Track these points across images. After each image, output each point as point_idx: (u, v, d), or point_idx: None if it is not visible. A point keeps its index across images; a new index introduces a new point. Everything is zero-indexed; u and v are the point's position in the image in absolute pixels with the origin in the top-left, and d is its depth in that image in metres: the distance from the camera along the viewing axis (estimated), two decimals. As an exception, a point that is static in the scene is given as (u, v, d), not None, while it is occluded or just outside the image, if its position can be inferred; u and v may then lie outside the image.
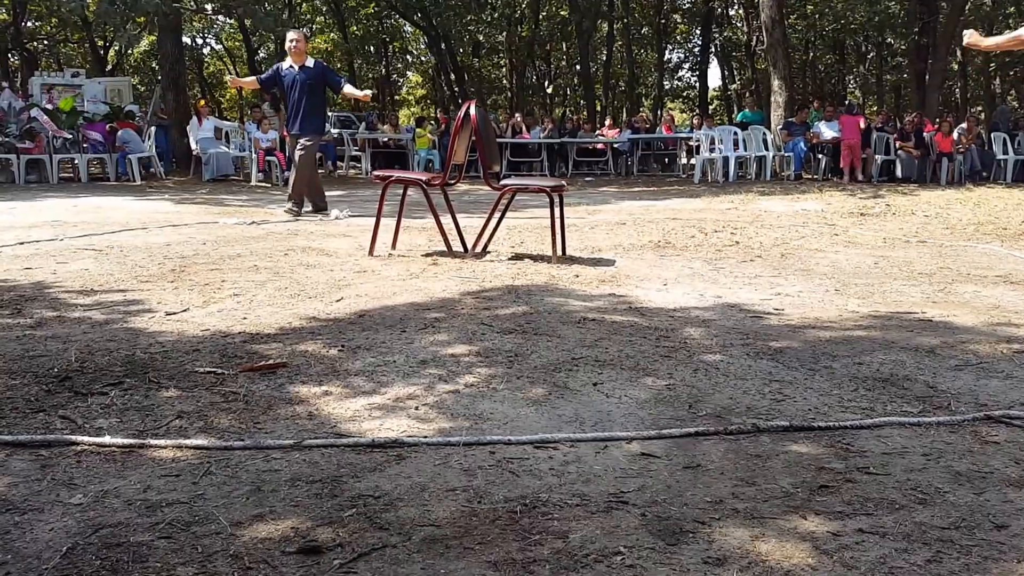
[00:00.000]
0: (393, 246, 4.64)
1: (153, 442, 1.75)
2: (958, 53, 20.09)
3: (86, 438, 1.76)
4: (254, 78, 7.35)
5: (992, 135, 12.67)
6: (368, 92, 8.16)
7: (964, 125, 12.41)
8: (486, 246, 4.62)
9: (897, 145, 12.31)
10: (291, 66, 6.78)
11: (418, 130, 14.51)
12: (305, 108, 6.76)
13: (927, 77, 14.25)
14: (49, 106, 12.42)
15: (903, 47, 18.71)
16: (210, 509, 1.45)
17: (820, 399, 2.07)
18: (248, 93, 20.49)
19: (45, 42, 22.44)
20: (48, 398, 2.04)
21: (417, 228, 5.63)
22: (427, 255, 4.47)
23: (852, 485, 1.56)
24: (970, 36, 5.17)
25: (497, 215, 4.64)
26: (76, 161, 11.80)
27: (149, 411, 1.96)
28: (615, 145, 14.37)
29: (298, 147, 6.85)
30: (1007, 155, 12.15)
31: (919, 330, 2.77)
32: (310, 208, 6.94)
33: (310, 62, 6.86)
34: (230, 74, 29.67)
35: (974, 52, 21.59)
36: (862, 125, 12.26)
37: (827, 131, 12.48)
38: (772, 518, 1.43)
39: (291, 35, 6.97)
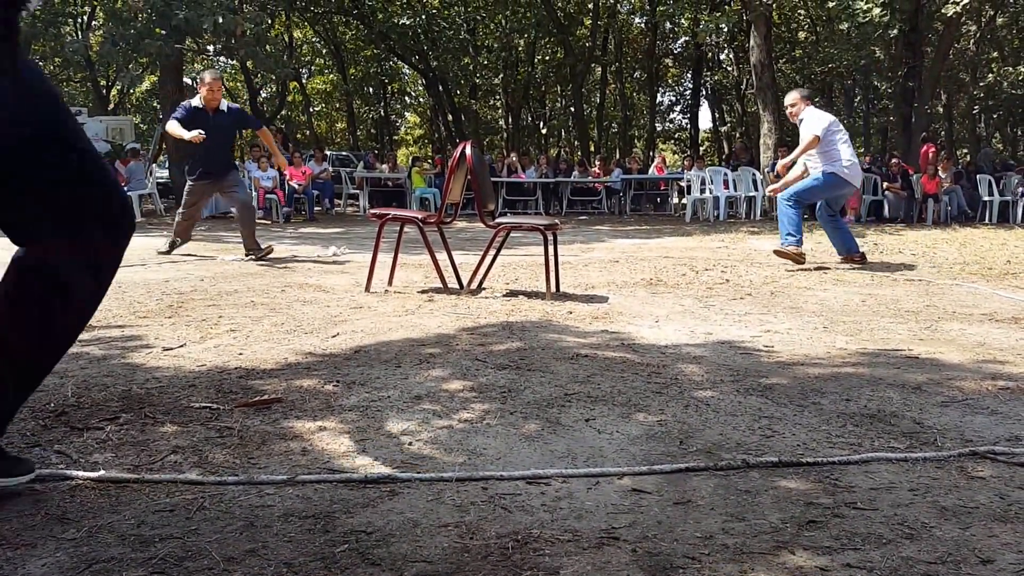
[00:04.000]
0: (389, 283, 4.68)
1: (148, 477, 1.76)
2: (943, 96, 20.49)
3: (81, 473, 1.77)
4: (181, 129, 6.08)
5: (977, 177, 12.87)
6: (283, 163, 7.44)
7: (940, 166, 12.65)
8: (481, 283, 4.67)
9: (884, 186, 12.50)
10: (207, 109, 6.18)
11: (414, 168, 14.71)
12: (228, 154, 6.55)
13: (913, 120, 14.50)
14: (49, 144, 12.52)
15: (889, 90, 19.08)
16: (203, 544, 1.46)
17: (809, 435, 2.09)
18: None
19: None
20: (44, 433, 2.05)
21: (413, 265, 5.68)
22: (423, 292, 4.50)
23: (840, 520, 1.58)
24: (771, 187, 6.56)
25: (492, 252, 4.69)
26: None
27: (144, 446, 1.97)
28: (609, 184, 14.54)
29: (243, 195, 6.49)
30: (992, 196, 12.33)
31: (906, 367, 2.80)
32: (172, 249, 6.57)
33: (224, 105, 6.35)
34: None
35: (959, 96, 22.03)
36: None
37: None
38: (761, 553, 1.44)
39: (209, 77, 6.28)
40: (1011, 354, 3.02)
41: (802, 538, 1.50)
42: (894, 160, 12.97)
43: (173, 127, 6.11)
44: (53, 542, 1.47)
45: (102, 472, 1.78)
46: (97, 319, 3.61)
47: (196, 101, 6.24)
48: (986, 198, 12.40)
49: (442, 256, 4.71)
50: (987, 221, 12.11)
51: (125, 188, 11.92)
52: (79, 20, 20.05)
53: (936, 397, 2.43)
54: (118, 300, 4.16)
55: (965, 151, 22.82)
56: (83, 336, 3.21)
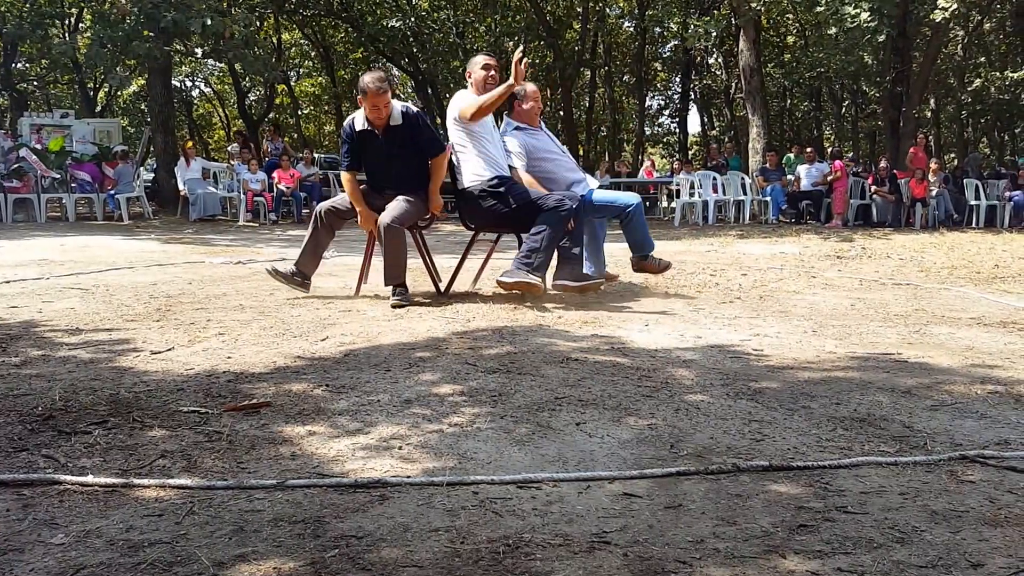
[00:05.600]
0: (386, 285, 4.65)
1: (136, 481, 1.75)
2: (931, 101, 20.66)
3: (69, 477, 1.75)
4: (349, 182, 4.32)
5: (964, 181, 12.98)
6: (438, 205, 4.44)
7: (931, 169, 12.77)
8: (456, 282, 4.66)
9: (872, 190, 12.59)
10: (374, 128, 4.23)
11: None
12: (395, 179, 4.29)
13: (901, 124, 14.61)
14: (38, 146, 12.46)
15: (877, 95, 19.23)
16: (192, 549, 1.45)
17: (799, 439, 2.10)
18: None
19: (35, 83, 22.54)
20: (31, 437, 2.03)
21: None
22: (413, 295, 4.48)
23: (831, 524, 1.59)
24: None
25: (482, 256, 4.68)
26: (64, 201, 11.81)
27: (133, 450, 1.95)
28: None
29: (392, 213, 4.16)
30: (978, 200, 12.43)
31: (895, 371, 2.82)
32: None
33: (398, 113, 4.20)
34: (218, 116, 29.91)
35: (947, 100, 22.19)
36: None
37: (806, 178, 12.77)
38: (752, 558, 1.44)
39: (371, 84, 4.09)
40: (999, 358, 3.04)
41: (793, 542, 1.50)
42: (882, 164, 13.08)
43: (344, 181, 4.36)
44: (41, 547, 1.45)
45: (90, 477, 1.76)
46: (85, 322, 3.58)
47: (359, 119, 4.27)
48: (973, 202, 12.50)
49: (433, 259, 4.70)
50: (974, 225, 12.21)
51: (112, 191, 11.90)
52: (66, 22, 19.92)
53: (926, 401, 2.45)
54: (106, 303, 4.13)
55: (953, 155, 23.02)
56: (70, 339, 3.19)
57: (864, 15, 11.40)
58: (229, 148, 14.46)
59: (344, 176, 4.39)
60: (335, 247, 7.56)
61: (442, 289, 4.55)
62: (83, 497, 1.68)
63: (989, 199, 12.61)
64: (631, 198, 4.70)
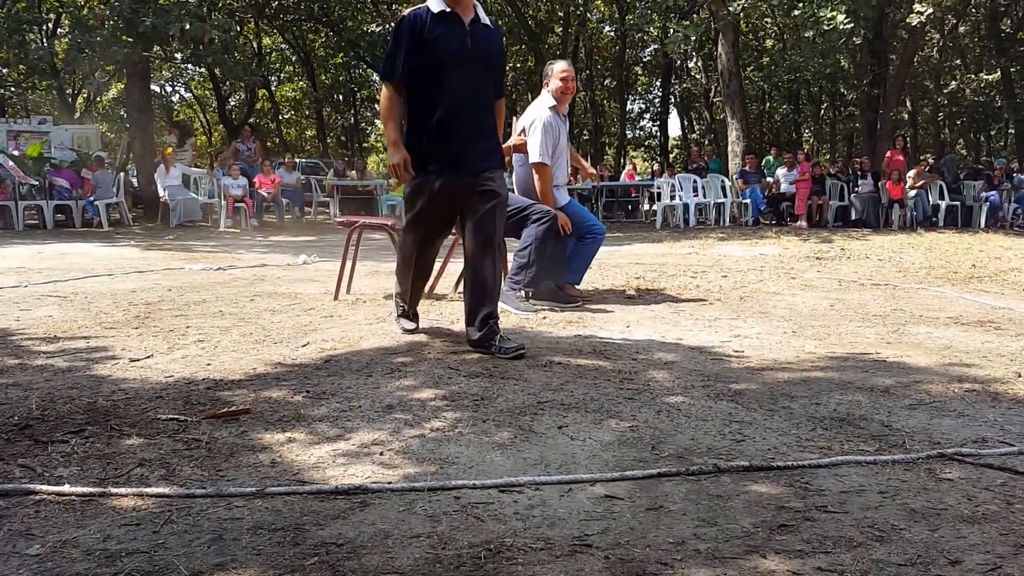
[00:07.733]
0: (348, 291, 4.63)
1: (114, 490, 1.73)
2: (908, 103, 20.91)
3: (45, 487, 1.73)
4: (393, 98, 3.16)
5: (928, 187, 13.16)
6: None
7: (913, 172, 12.93)
8: (438, 285, 4.65)
9: (855, 191, 12.73)
10: (458, 12, 3.06)
11: (391, 180, 14.62)
12: (481, 115, 3.26)
13: (878, 127, 14.77)
14: (16, 153, 12.28)
15: (855, 97, 19.44)
16: (171, 558, 1.43)
17: (779, 439, 2.11)
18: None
19: (12, 89, 22.26)
20: (7, 447, 2.00)
21: (385, 272, 5.65)
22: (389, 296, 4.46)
23: (811, 524, 1.60)
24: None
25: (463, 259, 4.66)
26: (43, 207, 11.66)
27: (110, 459, 1.93)
28: (582, 192, 14.60)
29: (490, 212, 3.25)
30: (943, 200, 12.62)
31: (874, 370, 2.84)
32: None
33: (483, 15, 3.17)
34: (199, 121, 29.72)
35: (923, 103, 22.48)
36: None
37: (785, 182, 12.89)
38: (733, 558, 1.45)
39: None
40: (976, 357, 3.08)
41: (774, 542, 1.51)
42: (864, 159, 13.27)
43: (388, 96, 3.15)
44: (16, 558, 1.43)
45: (67, 486, 1.74)
46: (62, 330, 3.54)
47: (434, 2, 3.06)
48: (939, 202, 12.67)
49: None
50: (950, 225, 12.37)
51: (92, 197, 11.77)
52: (44, 27, 19.69)
53: (904, 400, 2.47)
54: (83, 310, 4.08)
55: (930, 155, 23.32)
56: (48, 348, 3.15)
57: (840, 17, 11.51)
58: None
59: (389, 89, 3.10)
60: (315, 252, 7.53)
61: (424, 292, 4.54)
62: (60, 507, 1.66)
63: (966, 200, 12.78)
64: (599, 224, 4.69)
